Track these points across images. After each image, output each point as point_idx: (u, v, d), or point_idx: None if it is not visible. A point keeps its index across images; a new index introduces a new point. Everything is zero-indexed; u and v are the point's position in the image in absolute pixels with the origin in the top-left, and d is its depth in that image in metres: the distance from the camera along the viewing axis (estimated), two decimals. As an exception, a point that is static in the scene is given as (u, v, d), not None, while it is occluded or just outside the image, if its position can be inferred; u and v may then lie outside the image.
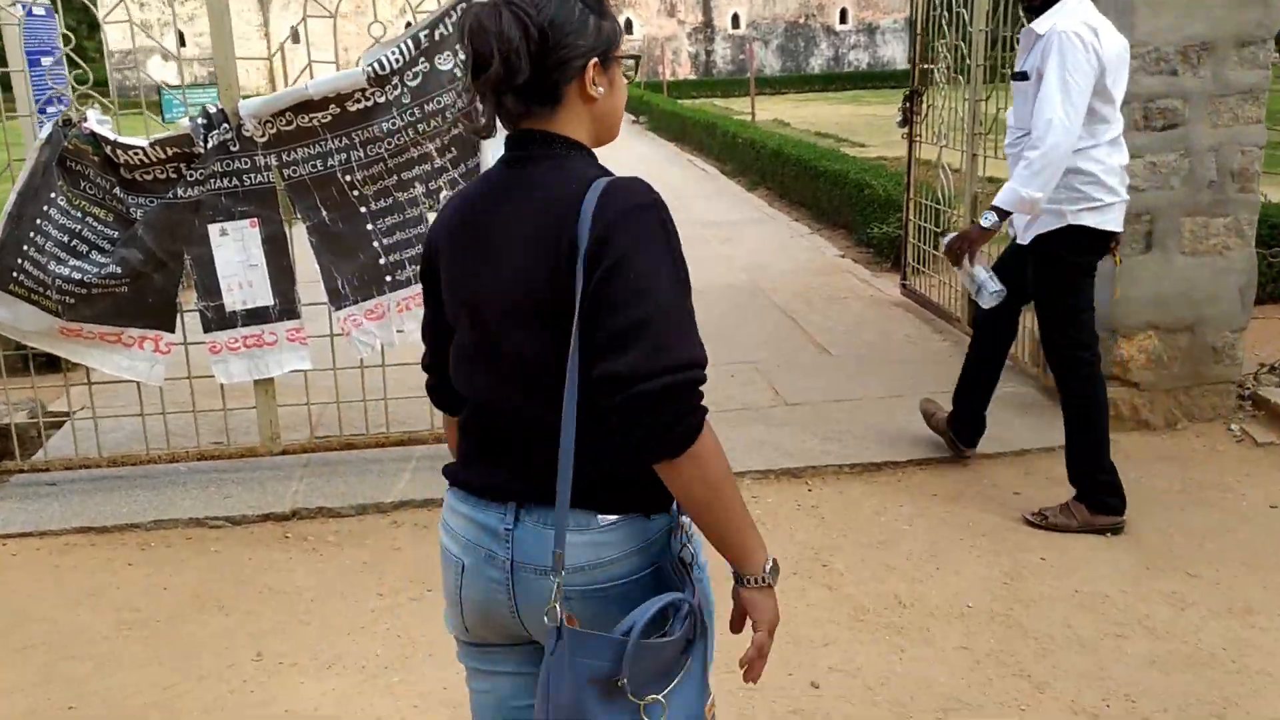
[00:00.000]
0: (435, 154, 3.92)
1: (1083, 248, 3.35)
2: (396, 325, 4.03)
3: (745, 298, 6.67)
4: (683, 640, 1.35)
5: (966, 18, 5.29)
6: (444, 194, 3.92)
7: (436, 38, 3.84)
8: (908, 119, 6.11)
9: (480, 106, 1.41)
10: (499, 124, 1.43)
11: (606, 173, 1.39)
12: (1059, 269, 3.38)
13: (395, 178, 3.91)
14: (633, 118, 24.40)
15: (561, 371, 1.33)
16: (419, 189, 3.94)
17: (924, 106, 6.02)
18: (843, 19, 40.05)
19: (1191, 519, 3.55)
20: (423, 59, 3.82)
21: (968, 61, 5.30)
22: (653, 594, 1.37)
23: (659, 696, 1.33)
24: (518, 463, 1.43)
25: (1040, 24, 3.25)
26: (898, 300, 6.42)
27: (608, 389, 1.27)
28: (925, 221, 6.12)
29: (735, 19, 39.25)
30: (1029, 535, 3.48)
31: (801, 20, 39.71)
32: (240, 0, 37.97)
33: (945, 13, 5.58)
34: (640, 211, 1.33)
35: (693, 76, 38.94)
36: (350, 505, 3.86)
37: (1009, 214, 3.33)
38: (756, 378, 5.06)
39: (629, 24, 38.98)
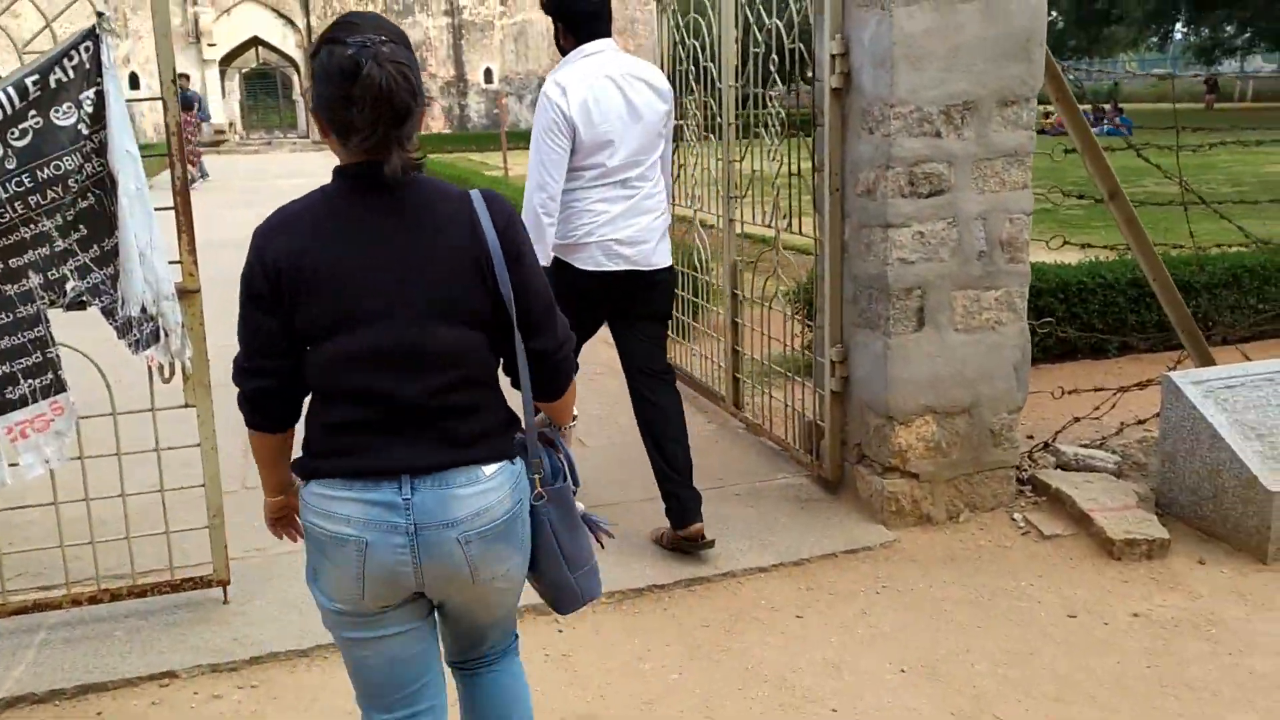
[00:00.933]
0: (56, 233, 2.99)
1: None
2: (9, 458, 3.04)
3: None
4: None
5: (715, 72, 4.87)
6: (71, 284, 3.00)
7: (52, 85, 2.96)
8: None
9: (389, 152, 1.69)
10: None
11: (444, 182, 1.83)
12: None
13: (1, 265, 2.96)
14: (381, 173, 23.31)
15: (469, 359, 1.78)
16: (34, 279, 2.99)
17: (674, 166, 5.56)
18: (595, 75, 40.39)
19: (989, 640, 3.11)
20: (34, 112, 2.92)
21: (718, 119, 4.87)
22: (524, 527, 1.86)
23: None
24: (409, 442, 1.74)
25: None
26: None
27: (540, 356, 1.85)
28: (680, 289, 5.64)
29: (488, 73, 38.82)
30: (818, 678, 2.92)
31: (554, 76, 39.75)
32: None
33: (692, 67, 5.15)
34: (508, 207, 1.82)
35: (447, 130, 38.09)
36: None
37: None
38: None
39: (378, 76, 37.68)
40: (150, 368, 3.15)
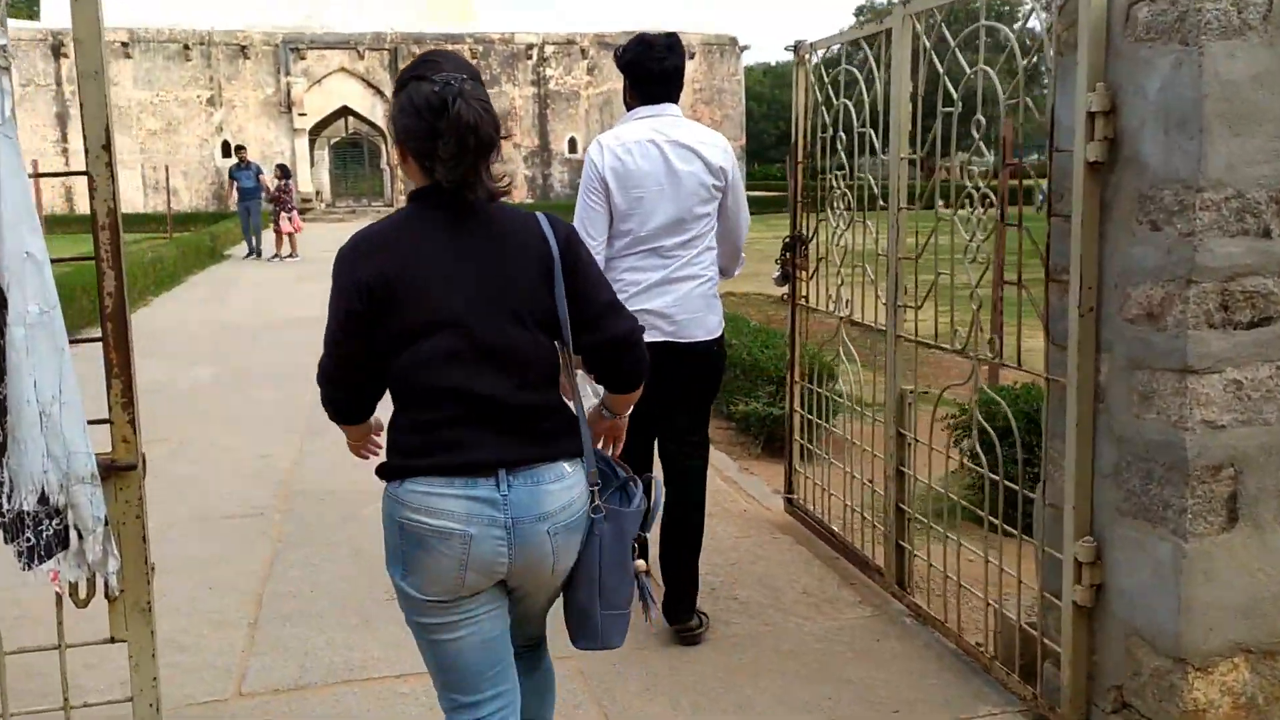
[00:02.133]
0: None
1: None
2: None
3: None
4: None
5: (875, 138, 3.70)
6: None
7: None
8: (789, 274, 4.45)
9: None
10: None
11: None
12: None
13: None
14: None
15: (542, 360, 1.96)
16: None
17: (811, 259, 4.39)
18: (681, 146, 39.78)
19: None
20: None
21: (880, 200, 3.70)
22: (587, 521, 2.00)
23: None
24: (498, 438, 1.89)
25: None
26: (782, 521, 4.64)
27: (616, 346, 2.03)
28: (813, 413, 4.42)
29: (572, 143, 38.48)
30: None
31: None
32: None
33: (842, 134, 3.99)
34: (570, 229, 2.06)
35: (530, 200, 37.67)
36: None
37: None
38: (575, 692, 3.11)
39: (463, 146, 37.56)
40: (55, 588, 2.04)
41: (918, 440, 3.57)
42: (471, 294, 1.89)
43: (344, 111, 37.74)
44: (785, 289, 4.52)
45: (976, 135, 3.07)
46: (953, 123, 3.22)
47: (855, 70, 3.84)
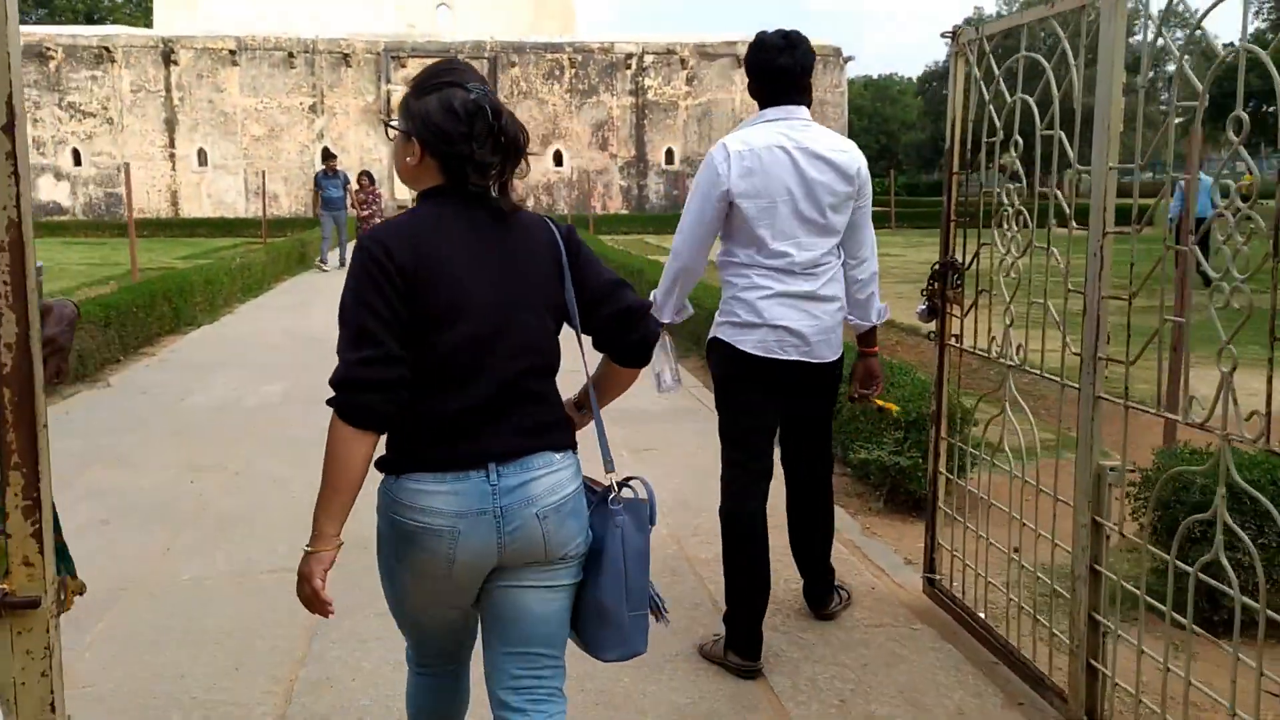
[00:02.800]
0: None
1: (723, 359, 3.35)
2: None
3: (662, 584, 4.04)
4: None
5: (1066, 144, 2.90)
6: None
7: None
8: (937, 309, 3.66)
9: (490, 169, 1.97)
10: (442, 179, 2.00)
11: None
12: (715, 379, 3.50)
13: None
14: (554, 255, 22.20)
15: (551, 349, 2.04)
16: None
17: (965, 291, 3.58)
18: (779, 158, 38.79)
19: None
20: None
21: (1072, 222, 2.89)
22: (584, 504, 2.05)
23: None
24: (498, 429, 1.95)
25: None
26: (920, 605, 3.83)
27: (627, 316, 2.08)
28: (957, 476, 3.62)
29: (669, 154, 37.83)
30: None
31: (737, 158, 38.42)
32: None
33: (1017, 139, 3.19)
34: (574, 229, 2.16)
35: (625, 211, 37.17)
36: None
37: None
38: None
39: (558, 156, 37.34)
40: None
41: (1122, 534, 2.74)
42: (495, 281, 1.96)
43: (442, 120, 37.80)
44: (931, 325, 3.73)
45: (1235, 138, 2.25)
46: (1196, 120, 2.41)
47: (1040, 59, 3.04)
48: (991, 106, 3.32)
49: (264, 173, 28.31)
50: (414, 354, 1.90)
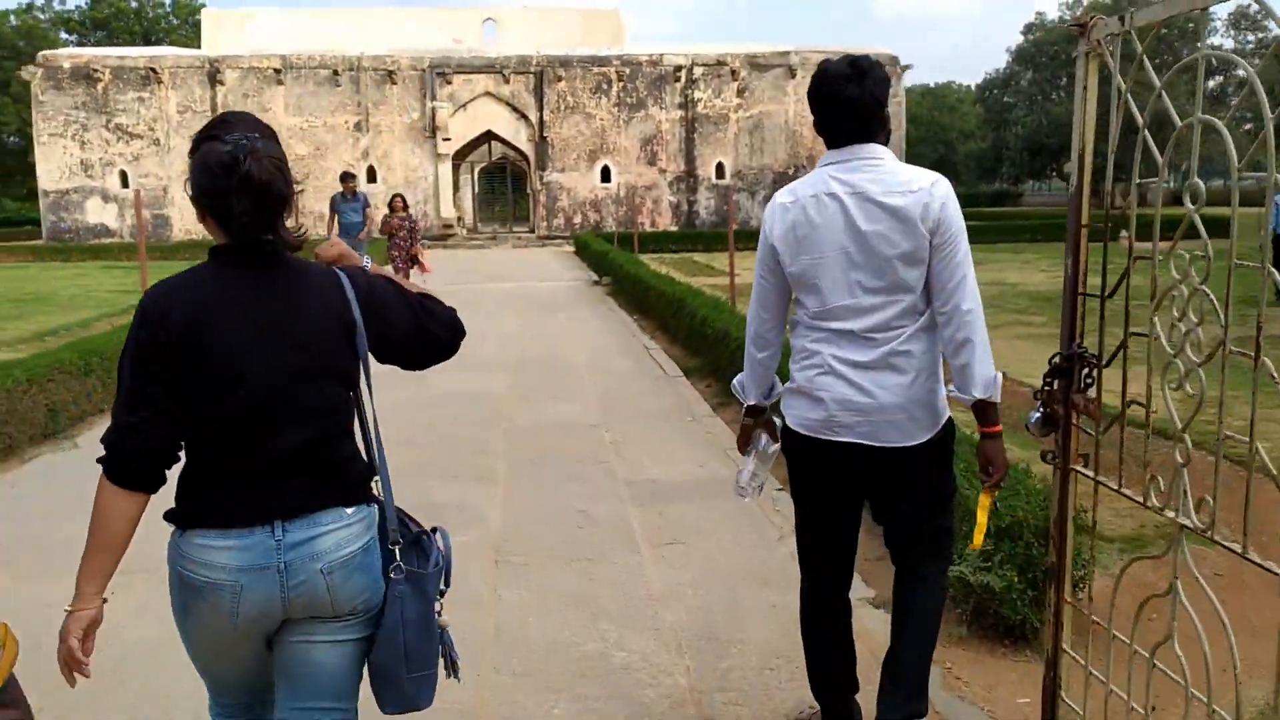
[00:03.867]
0: None
1: None
2: None
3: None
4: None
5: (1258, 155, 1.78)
6: None
7: None
8: (1056, 419, 2.54)
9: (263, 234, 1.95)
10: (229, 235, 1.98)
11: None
12: None
13: None
14: (594, 277, 21.14)
15: (335, 416, 2.02)
16: None
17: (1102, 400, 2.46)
18: (834, 171, 37.40)
19: None
20: None
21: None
22: (375, 558, 2.05)
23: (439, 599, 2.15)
24: (281, 490, 1.95)
25: None
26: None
27: (439, 334, 2.18)
28: (1088, 660, 2.49)
29: (720, 168, 36.71)
30: None
31: (791, 171, 37.06)
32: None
33: (1172, 150, 2.07)
34: (368, 274, 2.11)
35: (674, 227, 36.10)
36: None
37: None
38: None
39: (605, 171, 36.39)
40: None
41: None
42: (271, 353, 1.94)
43: (488, 136, 37.14)
44: (1048, 441, 2.61)
45: None
46: None
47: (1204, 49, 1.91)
48: (1136, 111, 2.20)
49: (295, 201, 27.73)
50: (195, 415, 1.94)
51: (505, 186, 46.55)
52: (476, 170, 43.82)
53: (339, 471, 2.04)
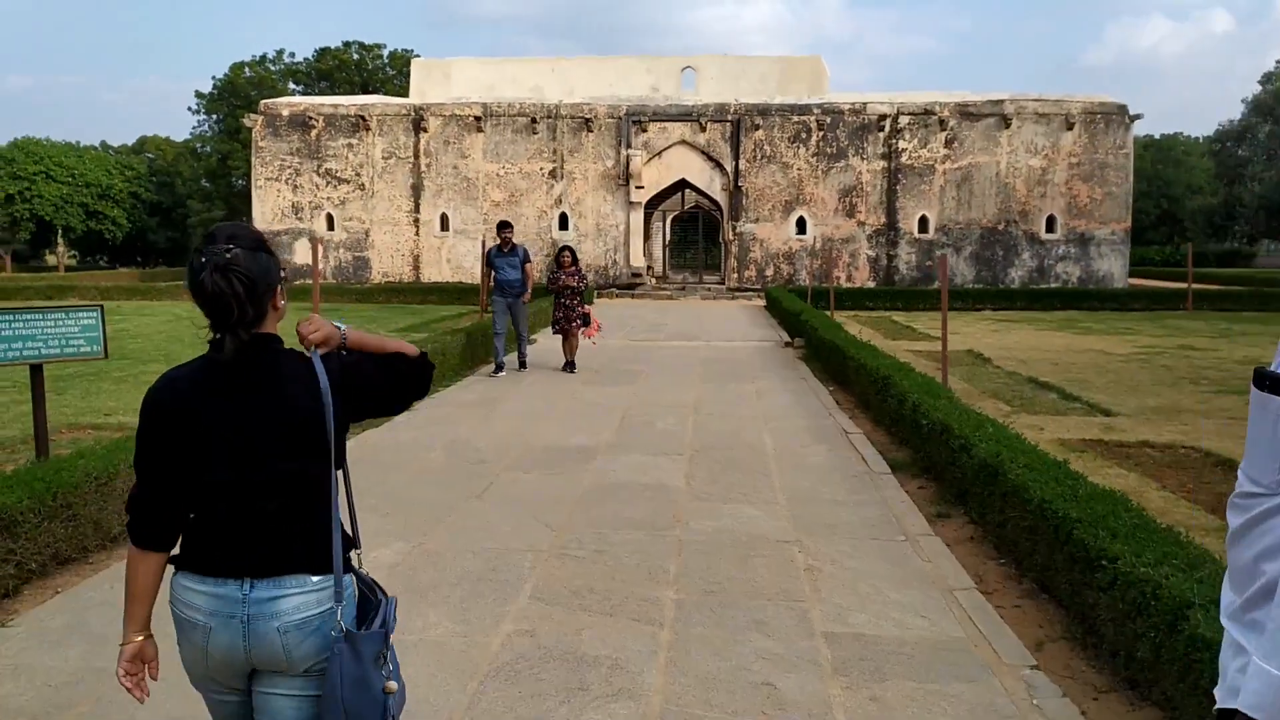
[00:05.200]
0: None
1: None
2: None
3: None
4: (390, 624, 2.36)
5: None
6: None
7: None
8: None
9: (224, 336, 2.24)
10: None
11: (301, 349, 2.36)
12: None
13: None
14: (785, 338, 19.74)
15: (305, 488, 2.30)
16: None
17: None
18: (1049, 227, 34.75)
19: None
20: None
21: None
22: (332, 622, 2.27)
23: (389, 665, 2.32)
24: (244, 552, 2.26)
25: None
26: None
27: (410, 388, 2.50)
28: None
29: (923, 221, 34.63)
30: None
31: (1001, 226, 34.60)
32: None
33: None
34: (341, 356, 2.39)
35: (871, 283, 34.23)
36: None
37: None
38: None
39: (801, 222, 35.01)
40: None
41: None
42: (248, 433, 2.25)
43: (681, 185, 36.51)
44: None
45: None
46: None
47: None
48: None
49: (469, 245, 27.77)
50: (191, 482, 2.28)
51: (697, 235, 45.84)
52: (668, 218, 43.32)
53: (309, 540, 2.30)
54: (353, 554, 2.39)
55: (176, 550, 2.33)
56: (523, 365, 14.21)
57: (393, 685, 2.28)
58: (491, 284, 14.02)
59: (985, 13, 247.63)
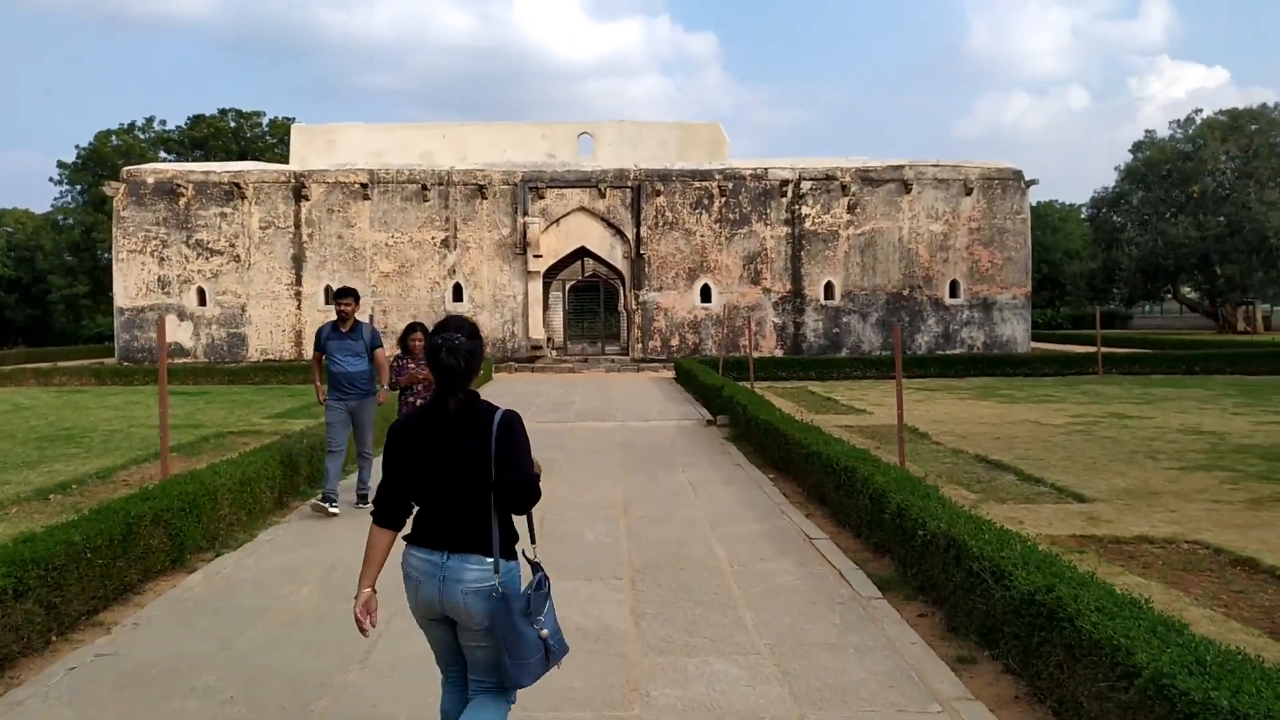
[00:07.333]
0: None
1: None
2: None
3: None
4: (547, 593, 3.52)
5: None
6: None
7: None
8: None
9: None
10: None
11: (492, 406, 3.58)
12: None
13: None
14: (706, 415, 18.23)
15: (478, 498, 3.49)
16: None
17: None
18: (953, 292, 34.37)
19: None
20: None
21: None
22: (498, 600, 3.43)
23: (541, 618, 3.47)
24: (445, 535, 3.50)
25: None
26: None
27: (512, 483, 3.49)
28: None
29: (829, 288, 33.89)
30: None
31: (906, 292, 34.07)
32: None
33: None
34: (513, 422, 3.56)
35: (779, 352, 33.15)
36: None
37: None
38: None
39: (705, 290, 33.90)
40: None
41: None
42: (444, 458, 3.52)
43: (581, 253, 35.07)
44: None
45: None
46: None
47: None
48: None
49: (370, 315, 25.61)
50: (414, 487, 3.60)
51: (596, 304, 44.39)
52: (567, 287, 41.80)
53: (480, 533, 3.49)
54: (517, 546, 3.57)
55: (408, 530, 3.64)
56: (363, 499, 9.92)
57: (545, 632, 3.44)
58: (321, 379, 9.95)
59: (858, 87, 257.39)
